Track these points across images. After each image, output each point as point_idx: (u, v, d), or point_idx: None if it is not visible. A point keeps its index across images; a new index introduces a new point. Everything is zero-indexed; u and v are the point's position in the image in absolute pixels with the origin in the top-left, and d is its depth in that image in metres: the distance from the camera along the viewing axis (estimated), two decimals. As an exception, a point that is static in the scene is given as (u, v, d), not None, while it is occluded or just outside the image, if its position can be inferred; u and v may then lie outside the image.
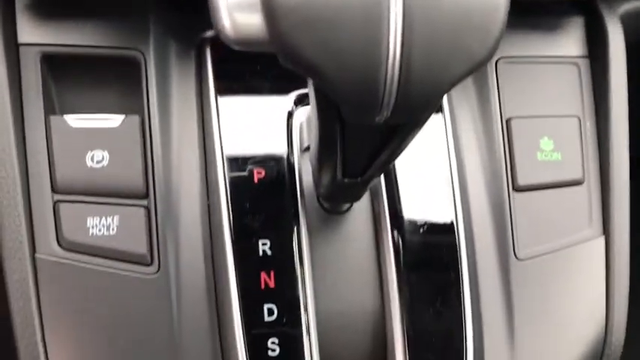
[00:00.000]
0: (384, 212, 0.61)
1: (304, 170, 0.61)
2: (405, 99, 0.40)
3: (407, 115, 0.42)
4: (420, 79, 0.39)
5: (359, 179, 0.52)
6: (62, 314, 0.58)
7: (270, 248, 0.58)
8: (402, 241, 0.60)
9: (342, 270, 0.60)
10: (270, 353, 0.56)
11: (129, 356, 0.58)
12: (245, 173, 0.59)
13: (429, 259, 0.61)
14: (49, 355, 0.58)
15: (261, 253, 0.58)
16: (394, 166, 0.62)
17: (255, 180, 0.59)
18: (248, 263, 0.57)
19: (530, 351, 0.63)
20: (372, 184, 0.61)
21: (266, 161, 0.60)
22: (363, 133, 0.47)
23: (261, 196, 0.59)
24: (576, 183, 0.68)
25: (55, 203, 0.59)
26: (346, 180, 0.52)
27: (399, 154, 0.49)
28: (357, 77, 0.39)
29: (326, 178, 0.53)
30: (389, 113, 0.41)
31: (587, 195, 0.68)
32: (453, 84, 0.40)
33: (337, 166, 0.50)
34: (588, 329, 0.66)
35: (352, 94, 0.40)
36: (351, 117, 0.43)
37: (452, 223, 0.62)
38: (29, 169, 0.59)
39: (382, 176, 0.62)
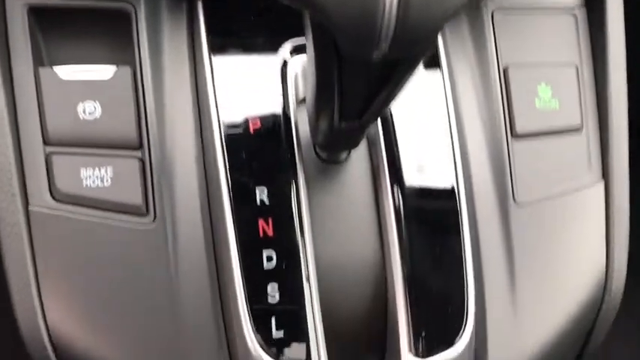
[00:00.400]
0: (382, 161, 0.60)
1: (300, 122, 0.60)
2: (404, 31, 0.39)
3: (405, 48, 0.41)
4: (419, 11, 0.38)
5: (357, 123, 0.51)
6: (57, 266, 0.58)
7: (268, 196, 0.57)
8: (401, 190, 0.60)
9: (340, 219, 0.60)
10: (270, 300, 0.55)
11: (126, 306, 0.57)
12: (240, 124, 0.59)
13: (428, 207, 0.60)
14: (44, 308, 0.57)
15: (258, 201, 0.57)
16: (392, 115, 0.61)
17: (251, 130, 0.58)
18: (246, 211, 0.57)
19: (530, 296, 0.62)
20: (369, 129, 0.60)
21: (261, 112, 0.59)
22: (361, 71, 0.46)
23: (257, 145, 0.58)
24: (575, 130, 0.67)
25: (47, 155, 0.58)
26: (344, 124, 0.51)
27: (397, 94, 0.48)
28: (355, 9, 0.38)
29: (323, 124, 0.52)
30: (387, 47, 0.40)
31: (585, 142, 0.68)
32: (451, 15, 0.39)
33: (334, 110, 0.50)
34: (588, 275, 0.66)
35: (350, 27, 0.39)
36: (348, 52, 0.42)
37: (450, 171, 0.61)
38: (19, 121, 0.58)
39: (380, 126, 0.61)
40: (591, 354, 0.70)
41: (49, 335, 0.58)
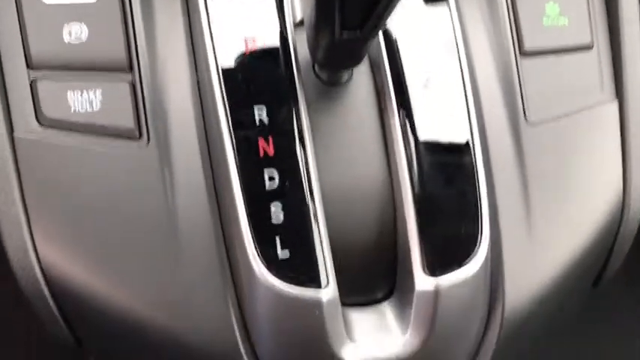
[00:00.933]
0: (387, 82, 0.57)
1: (299, 45, 0.57)
2: None
3: None
4: None
5: (358, 33, 0.48)
6: (46, 195, 0.54)
7: (267, 115, 0.54)
8: (407, 110, 0.56)
9: (344, 141, 0.57)
10: (273, 220, 0.52)
11: (121, 234, 0.54)
12: (236, 43, 0.55)
13: (437, 127, 0.57)
14: (35, 238, 0.55)
15: (257, 121, 0.54)
16: (395, 36, 0.58)
17: (247, 49, 0.55)
18: (244, 130, 0.53)
19: (545, 218, 0.59)
20: (371, 48, 0.57)
21: (257, 30, 0.56)
22: None
23: (255, 65, 0.55)
24: (585, 48, 0.64)
25: (32, 80, 0.55)
26: (345, 34, 0.48)
27: None
28: None
29: (323, 37, 0.49)
30: None
31: (597, 60, 0.65)
32: None
33: (335, 20, 0.47)
34: (605, 196, 0.63)
35: None
36: None
37: (459, 90, 0.58)
38: (1, 47, 0.55)
39: (383, 47, 0.58)
40: (607, 282, 0.67)
41: (41, 268, 0.55)
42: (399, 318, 0.56)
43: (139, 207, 0.54)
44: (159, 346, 0.56)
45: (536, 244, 0.59)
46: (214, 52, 0.55)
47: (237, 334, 0.54)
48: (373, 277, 0.58)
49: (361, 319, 0.57)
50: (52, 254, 0.55)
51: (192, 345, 0.55)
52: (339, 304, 0.53)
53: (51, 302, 0.56)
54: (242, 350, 0.55)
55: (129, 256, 0.55)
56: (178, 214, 0.54)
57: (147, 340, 0.56)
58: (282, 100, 0.55)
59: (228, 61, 0.55)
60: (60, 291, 0.56)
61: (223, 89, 0.54)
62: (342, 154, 0.57)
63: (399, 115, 0.57)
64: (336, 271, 0.54)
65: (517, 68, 0.62)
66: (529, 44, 0.62)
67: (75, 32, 0.55)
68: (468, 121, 0.58)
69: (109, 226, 0.54)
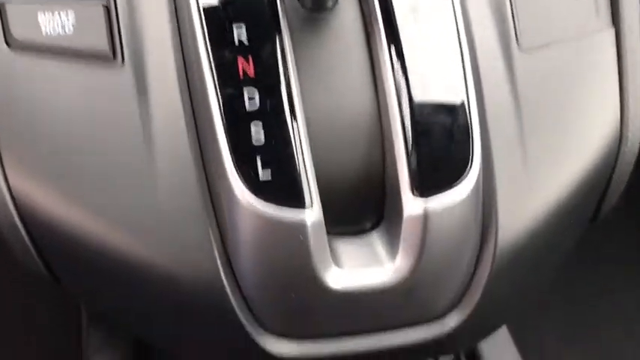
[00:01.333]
0: (374, 7, 0.54)
1: None
2: None
3: None
4: None
5: None
6: (17, 121, 0.52)
7: (247, 34, 0.51)
8: (395, 35, 0.54)
9: (329, 65, 0.54)
10: (254, 142, 0.50)
11: (96, 159, 0.52)
12: None
13: (425, 51, 0.54)
14: (4, 166, 0.53)
15: (237, 40, 0.51)
16: None
17: None
18: (223, 49, 0.51)
19: (541, 144, 0.57)
20: None
21: None
22: None
23: None
24: None
25: (1, 3, 0.53)
26: None
27: None
28: None
29: None
30: None
31: None
32: None
33: None
34: (602, 124, 0.60)
35: None
36: None
37: (447, 14, 0.55)
38: None
39: None
40: (604, 217, 0.65)
41: (13, 198, 0.53)
42: (388, 246, 0.54)
43: (114, 132, 0.52)
44: (138, 279, 0.54)
45: (531, 173, 0.57)
46: None
47: (219, 262, 0.52)
48: (360, 206, 0.56)
49: (348, 247, 0.54)
50: (23, 183, 0.53)
51: (172, 276, 0.53)
52: (324, 227, 0.51)
53: (23, 232, 0.54)
54: (223, 278, 0.53)
55: (104, 185, 0.52)
56: (155, 138, 0.52)
57: (125, 274, 0.54)
58: (263, 20, 0.52)
59: None
60: (33, 222, 0.54)
61: (201, 8, 0.52)
62: (327, 80, 0.54)
63: (387, 41, 0.54)
64: (322, 200, 0.52)
65: None
66: None
67: None
68: (458, 46, 0.55)
69: (82, 153, 0.52)
